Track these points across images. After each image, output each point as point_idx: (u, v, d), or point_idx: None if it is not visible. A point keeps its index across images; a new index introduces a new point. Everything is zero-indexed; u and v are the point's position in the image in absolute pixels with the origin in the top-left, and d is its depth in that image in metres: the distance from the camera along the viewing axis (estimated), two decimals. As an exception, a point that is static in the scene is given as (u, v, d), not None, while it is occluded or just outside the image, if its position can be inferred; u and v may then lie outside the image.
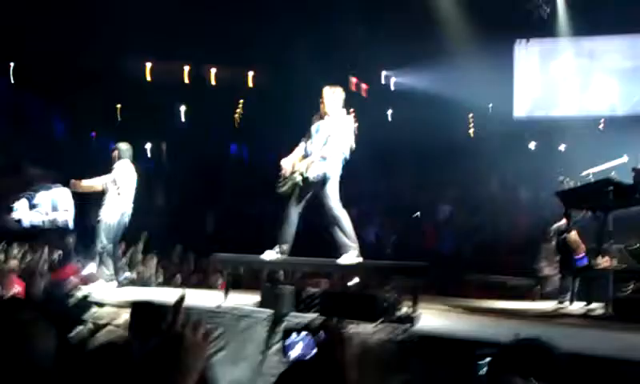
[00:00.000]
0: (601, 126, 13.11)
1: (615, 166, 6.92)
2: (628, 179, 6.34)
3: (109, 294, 6.88)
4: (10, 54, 13.01)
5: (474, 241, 11.04)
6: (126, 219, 7.52)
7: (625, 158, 7.07)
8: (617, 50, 13.40)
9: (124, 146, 7.72)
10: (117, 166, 7.59)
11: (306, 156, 6.02)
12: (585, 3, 11.85)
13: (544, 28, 12.47)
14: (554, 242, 7.65)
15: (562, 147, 13.24)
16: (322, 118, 6.06)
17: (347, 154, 5.91)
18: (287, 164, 6.00)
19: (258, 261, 6.03)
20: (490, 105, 14.09)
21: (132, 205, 7.54)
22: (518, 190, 12.54)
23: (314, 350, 1.68)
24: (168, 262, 9.61)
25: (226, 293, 6.01)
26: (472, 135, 14.51)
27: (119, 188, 7.44)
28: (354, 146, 5.86)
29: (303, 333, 1.71)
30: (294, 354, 1.74)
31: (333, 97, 6.04)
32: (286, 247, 5.97)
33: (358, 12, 12.67)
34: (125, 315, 6.33)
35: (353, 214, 6.11)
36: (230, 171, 14.31)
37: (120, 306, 6.33)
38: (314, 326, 1.71)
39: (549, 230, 7.84)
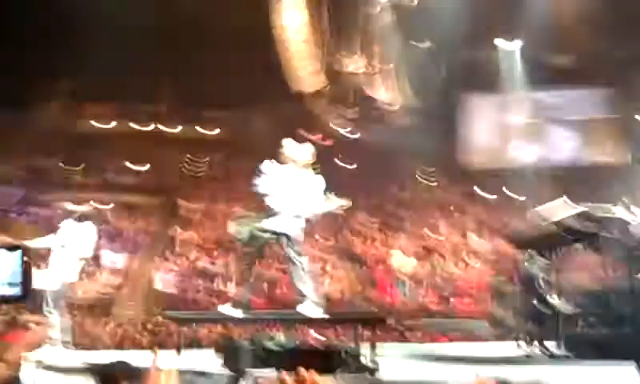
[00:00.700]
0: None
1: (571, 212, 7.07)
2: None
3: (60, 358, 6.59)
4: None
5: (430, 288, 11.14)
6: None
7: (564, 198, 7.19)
8: (566, 104, 13.87)
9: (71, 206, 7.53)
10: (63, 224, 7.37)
11: (266, 209, 5.92)
12: (541, 58, 12.30)
13: (500, 81, 12.92)
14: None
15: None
16: (289, 170, 5.98)
17: (317, 210, 5.87)
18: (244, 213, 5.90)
19: (215, 316, 5.89)
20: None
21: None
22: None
23: None
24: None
25: (179, 351, 5.83)
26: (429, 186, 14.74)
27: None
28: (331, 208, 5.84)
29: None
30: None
31: (296, 148, 6.01)
32: (243, 300, 5.85)
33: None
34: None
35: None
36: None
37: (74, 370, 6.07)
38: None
39: None
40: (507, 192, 13.63)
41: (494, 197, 14.15)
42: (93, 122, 14.69)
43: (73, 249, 7.18)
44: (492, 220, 13.09)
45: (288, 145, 6.00)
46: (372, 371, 4.78)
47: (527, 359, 6.15)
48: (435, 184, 14.60)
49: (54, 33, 12.01)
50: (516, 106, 13.77)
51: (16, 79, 12.38)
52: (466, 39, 12.24)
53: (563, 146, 13.99)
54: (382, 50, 13.23)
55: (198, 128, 15.10)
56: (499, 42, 13.00)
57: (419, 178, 14.67)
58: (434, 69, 13.00)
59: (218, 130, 15.11)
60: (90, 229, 7.41)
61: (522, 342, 6.84)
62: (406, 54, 13.00)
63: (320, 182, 5.90)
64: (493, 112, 14.54)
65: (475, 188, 14.05)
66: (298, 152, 5.97)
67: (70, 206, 7.46)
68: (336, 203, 5.86)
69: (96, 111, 14.68)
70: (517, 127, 14.09)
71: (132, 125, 14.73)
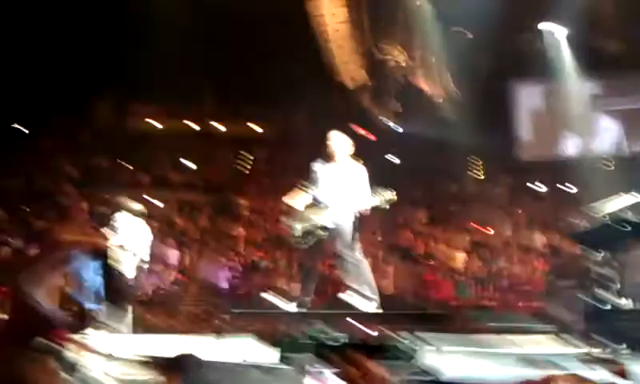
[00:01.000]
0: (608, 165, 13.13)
1: (628, 205, 6.93)
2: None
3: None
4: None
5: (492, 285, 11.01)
6: None
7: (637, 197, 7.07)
8: (621, 92, 13.49)
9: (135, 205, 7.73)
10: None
11: (314, 203, 6.01)
12: (588, 44, 11.99)
13: (547, 69, 12.64)
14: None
15: (570, 188, 13.28)
16: (327, 162, 6.06)
17: (367, 205, 5.91)
18: (298, 206, 5.96)
19: (278, 314, 6.00)
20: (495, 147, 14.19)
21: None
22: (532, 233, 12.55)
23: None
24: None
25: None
26: (478, 179, 14.59)
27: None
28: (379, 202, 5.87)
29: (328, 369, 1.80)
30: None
31: (343, 141, 6.09)
32: (306, 300, 5.95)
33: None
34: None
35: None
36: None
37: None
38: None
39: None
40: (559, 185, 13.40)
41: (546, 189, 13.94)
42: (145, 121, 15.07)
43: (129, 245, 7.41)
44: (544, 214, 12.89)
45: (334, 137, 6.08)
46: (436, 372, 4.78)
47: (584, 356, 6.04)
48: (483, 177, 14.44)
49: (109, 34, 12.30)
50: (564, 94, 13.47)
51: (71, 80, 12.76)
52: (510, 26, 12.03)
53: (614, 136, 13.62)
54: (424, 40, 13.08)
55: (248, 124, 15.30)
56: (545, 27, 12.65)
57: (468, 171, 14.55)
58: (479, 58, 12.80)
59: (264, 127, 15.29)
60: (144, 225, 7.64)
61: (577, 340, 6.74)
62: (448, 44, 12.84)
63: (365, 174, 5.97)
64: (541, 101, 14.27)
65: (527, 182, 13.83)
66: (343, 143, 6.05)
67: (125, 203, 7.66)
68: (384, 197, 5.89)
69: (148, 110, 15.04)
70: (566, 117, 13.78)
71: (183, 122, 15.03)
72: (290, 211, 6.04)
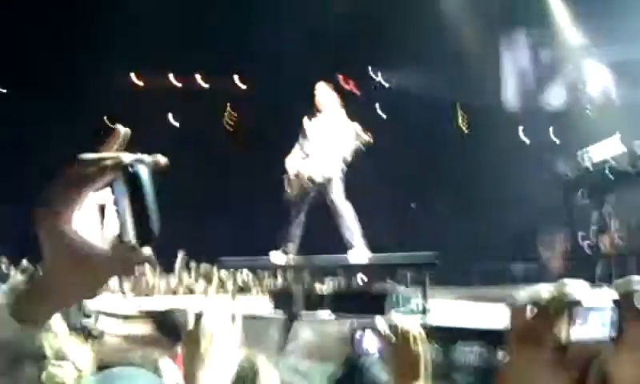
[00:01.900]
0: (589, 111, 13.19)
1: (609, 146, 7.02)
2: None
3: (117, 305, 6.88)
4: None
5: (477, 229, 11.13)
6: None
7: (617, 135, 7.15)
8: (609, 42, 13.44)
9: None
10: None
11: (306, 156, 6.06)
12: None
13: (534, 17, 12.56)
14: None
15: (554, 136, 13.35)
16: (316, 114, 6.10)
17: (350, 154, 5.96)
18: (292, 165, 6.03)
19: (265, 262, 6.08)
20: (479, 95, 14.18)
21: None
22: (515, 180, 12.66)
23: (378, 346, 1.85)
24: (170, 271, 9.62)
25: (234, 296, 6.06)
26: (462, 126, 14.63)
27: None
28: (358, 145, 5.91)
29: (368, 330, 1.87)
30: (362, 346, 1.89)
31: (328, 93, 6.11)
32: (292, 246, 6.02)
33: (344, 8, 12.72)
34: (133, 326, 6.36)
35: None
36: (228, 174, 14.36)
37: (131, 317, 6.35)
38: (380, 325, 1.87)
39: None
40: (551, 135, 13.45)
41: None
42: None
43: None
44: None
45: (319, 88, 6.10)
46: (423, 313, 4.89)
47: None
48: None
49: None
50: (553, 43, 13.41)
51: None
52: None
53: (601, 85, 13.63)
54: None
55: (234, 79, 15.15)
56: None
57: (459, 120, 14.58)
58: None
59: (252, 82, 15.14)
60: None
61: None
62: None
63: (353, 128, 6.00)
64: (528, 50, 14.22)
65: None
66: (328, 95, 6.07)
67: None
68: (361, 138, 5.94)
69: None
70: (554, 66, 13.78)
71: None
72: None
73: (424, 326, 4.62)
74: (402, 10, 12.34)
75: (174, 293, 8.67)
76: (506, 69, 14.14)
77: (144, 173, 0.77)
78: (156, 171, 0.83)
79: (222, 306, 6.01)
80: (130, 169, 0.77)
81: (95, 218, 0.82)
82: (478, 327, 4.81)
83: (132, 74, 14.79)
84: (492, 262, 9.20)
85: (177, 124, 14.86)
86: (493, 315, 5.47)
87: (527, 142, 13.76)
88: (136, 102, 13.84)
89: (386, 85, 15.00)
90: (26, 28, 12.11)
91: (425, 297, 5.13)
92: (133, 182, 0.77)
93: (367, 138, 5.93)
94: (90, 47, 12.43)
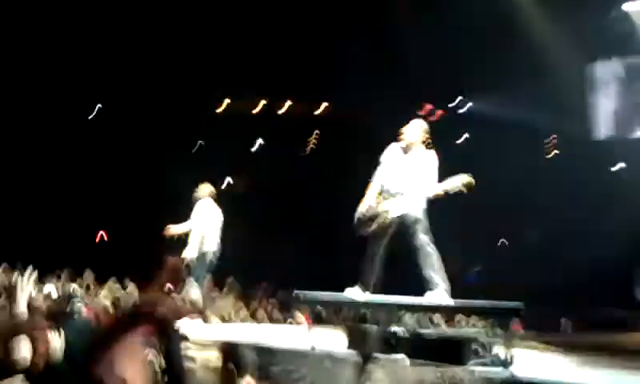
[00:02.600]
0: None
1: None
2: None
3: (197, 330, 6.99)
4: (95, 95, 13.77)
5: (567, 271, 10.55)
6: (212, 258, 7.68)
7: None
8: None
9: (207, 186, 7.96)
10: (199, 205, 7.80)
11: (383, 192, 5.91)
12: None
13: (625, 45, 11.91)
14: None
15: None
16: (404, 151, 5.96)
17: (435, 191, 5.76)
18: (367, 205, 5.89)
19: (344, 300, 5.96)
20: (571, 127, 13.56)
21: (218, 243, 7.69)
22: (608, 217, 11.93)
23: None
24: (250, 297, 9.72)
25: (310, 330, 5.96)
26: (552, 158, 14.02)
27: (203, 227, 7.64)
28: (456, 187, 5.66)
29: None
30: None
31: (417, 129, 5.95)
32: (371, 285, 5.88)
33: (429, 37, 12.57)
34: (209, 353, 6.43)
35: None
36: (309, 203, 14.41)
37: (207, 344, 6.43)
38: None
39: None
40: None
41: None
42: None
43: (209, 225, 7.66)
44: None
45: (409, 126, 5.96)
46: (506, 365, 4.61)
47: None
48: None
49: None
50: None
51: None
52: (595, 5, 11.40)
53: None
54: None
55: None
56: (629, 6, 11.84)
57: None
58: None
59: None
60: (216, 209, 7.86)
61: None
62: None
63: (435, 160, 5.79)
64: (622, 81, 13.48)
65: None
66: (418, 132, 5.91)
67: (206, 188, 7.93)
68: (460, 181, 5.68)
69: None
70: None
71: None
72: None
73: (508, 380, 4.39)
74: (492, 38, 12.07)
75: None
76: (600, 100, 13.43)
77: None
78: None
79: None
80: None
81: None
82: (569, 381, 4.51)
83: (221, 100, 15.23)
84: (587, 307, 8.63)
85: (260, 149, 15.13)
86: (587, 368, 5.12)
87: (625, 177, 12.97)
88: (224, 127, 14.27)
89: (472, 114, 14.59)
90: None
91: (509, 346, 4.85)
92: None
93: (470, 179, 5.66)
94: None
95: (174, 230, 7.97)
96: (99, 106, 14.15)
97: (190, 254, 7.61)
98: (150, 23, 12.32)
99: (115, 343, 2.28)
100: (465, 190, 5.65)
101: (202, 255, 7.61)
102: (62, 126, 13.03)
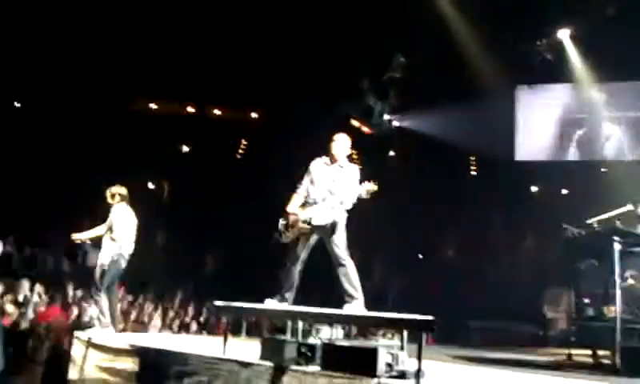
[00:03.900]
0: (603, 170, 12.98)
1: (619, 214, 6.89)
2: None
3: (108, 338, 6.77)
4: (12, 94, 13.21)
5: (477, 286, 10.90)
6: (123, 264, 7.46)
7: (629, 207, 7.04)
8: (626, 97, 13.29)
9: (121, 190, 7.71)
10: (114, 209, 7.57)
11: (307, 202, 5.96)
12: (592, 49, 11.82)
13: (549, 73, 12.50)
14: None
15: (565, 192, 13.18)
16: (328, 163, 6.02)
17: (353, 202, 5.86)
18: (292, 209, 5.94)
19: (260, 310, 5.93)
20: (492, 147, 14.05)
21: (132, 248, 7.49)
22: (521, 235, 12.45)
23: None
24: (167, 306, 9.49)
25: (226, 341, 5.90)
26: (473, 178, 14.48)
27: (115, 232, 7.42)
28: (360, 194, 5.81)
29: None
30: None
31: (344, 144, 6.04)
32: (288, 295, 5.89)
33: (359, 53, 12.77)
34: (123, 362, 6.25)
35: (355, 261, 6.01)
36: (231, 212, 14.28)
37: (121, 351, 6.25)
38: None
39: None
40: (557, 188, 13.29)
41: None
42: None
43: (123, 230, 7.42)
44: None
45: (338, 139, 6.03)
46: (417, 378, 4.69)
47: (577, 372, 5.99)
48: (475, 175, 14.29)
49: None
50: (567, 99, 13.31)
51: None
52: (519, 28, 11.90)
53: (616, 142, 13.45)
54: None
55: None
56: (558, 33, 12.43)
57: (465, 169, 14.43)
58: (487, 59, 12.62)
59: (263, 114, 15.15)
60: (131, 214, 7.64)
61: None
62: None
63: (357, 173, 5.91)
64: (544, 105, 14.13)
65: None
66: (345, 145, 6.01)
67: (120, 191, 7.67)
68: (365, 188, 5.82)
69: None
70: (567, 122, 13.64)
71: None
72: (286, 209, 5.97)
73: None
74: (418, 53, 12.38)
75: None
76: (521, 122, 14.03)
77: None
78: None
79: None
80: None
81: None
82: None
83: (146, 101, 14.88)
84: (493, 321, 8.94)
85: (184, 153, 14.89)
86: (493, 380, 5.30)
87: (539, 197, 13.58)
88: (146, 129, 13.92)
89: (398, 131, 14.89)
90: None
91: (420, 358, 4.94)
92: None
93: (373, 187, 5.81)
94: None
95: (80, 236, 7.71)
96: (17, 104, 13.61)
97: (103, 260, 7.38)
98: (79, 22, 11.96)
99: None
100: (368, 197, 5.83)
101: (114, 261, 7.37)
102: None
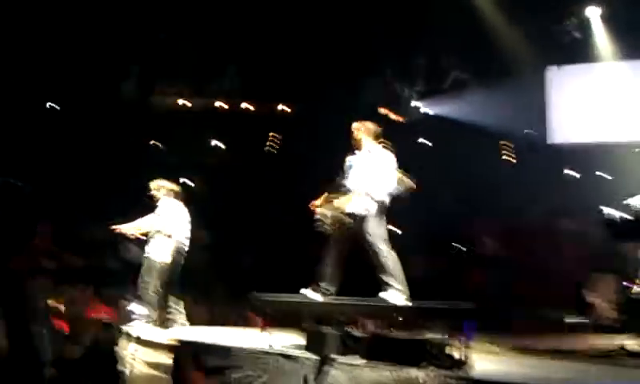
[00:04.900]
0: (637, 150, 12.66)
1: None
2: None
3: (153, 334, 6.88)
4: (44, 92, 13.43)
5: (521, 274, 10.73)
6: (182, 260, 7.43)
7: None
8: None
9: (166, 183, 7.64)
10: (162, 203, 7.50)
11: (344, 191, 5.96)
12: (623, 26, 11.58)
13: (578, 52, 12.26)
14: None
15: (601, 174, 12.88)
16: (362, 152, 6.02)
17: (391, 191, 5.83)
18: (327, 204, 5.94)
19: (300, 302, 5.96)
20: (524, 131, 13.83)
21: (187, 244, 7.45)
22: (559, 220, 12.20)
23: None
24: (206, 300, 9.58)
25: (269, 334, 5.95)
26: (507, 163, 14.26)
27: (168, 227, 7.35)
28: (399, 190, 5.79)
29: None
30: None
31: (363, 131, 6.02)
32: (329, 286, 5.90)
33: (386, 41, 12.66)
34: (168, 357, 6.35)
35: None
36: (269, 205, 14.29)
37: (164, 346, 6.35)
38: None
39: None
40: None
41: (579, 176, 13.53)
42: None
43: (169, 228, 7.40)
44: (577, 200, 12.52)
45: (356, 126, 6.03)
46: (464, 367, 4.68)
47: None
48: (515, 161, 14.06)
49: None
50: (601, 78, 13.01)
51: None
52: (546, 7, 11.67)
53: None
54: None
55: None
56: (588, 11, 12.18)
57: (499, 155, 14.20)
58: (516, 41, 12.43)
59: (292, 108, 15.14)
60: (183, 209, 7.60)
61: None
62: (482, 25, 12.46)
63: (392, 160, 5.89)
64: (577, 85, 13.86)
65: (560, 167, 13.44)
66: (366, 132, 6.00)
67: (167, 185, 7.60)
68: (404, 185, 5.81)
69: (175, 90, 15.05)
70: (603, 101, 13.34)
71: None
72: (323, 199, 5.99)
73: (463, 379, 4.45)
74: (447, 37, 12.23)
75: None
76: (553, 104, 13.76)
77: None
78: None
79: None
80: None
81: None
82: (520, 381, 4.60)
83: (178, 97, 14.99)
84: (534, 309, 8.81)
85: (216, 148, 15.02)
86: (542, 368, 5.23)
87: (575, 181, 13.30)
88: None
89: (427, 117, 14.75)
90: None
91: (465, 347, 4.92)
92: None
93: (411, 184, 5.79)
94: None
95: (123, 228, 7.59)
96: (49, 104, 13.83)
97: (159, 256, 7.31)
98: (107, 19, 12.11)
99: None
100: (406, 193, 5.83)
101: (172, 258, 7.33)
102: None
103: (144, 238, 7.55)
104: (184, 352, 6.12)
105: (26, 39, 11.93)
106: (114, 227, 7.68)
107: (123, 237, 7.82)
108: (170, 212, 7.45)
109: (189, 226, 7.54)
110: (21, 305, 7.49)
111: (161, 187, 7.56)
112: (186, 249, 7.47)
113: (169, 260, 7.30)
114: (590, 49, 12.28)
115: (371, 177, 5.81)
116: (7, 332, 6.91)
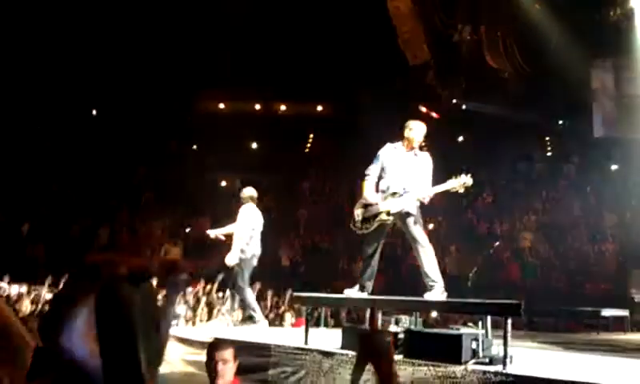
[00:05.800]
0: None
1: None
2: None
3: (192, 332, 6.95)
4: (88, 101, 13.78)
5: (560, 270, 10.53)
6: (254, 262, 7.63)
7: None
8: None
9: (249, 191, 7.87)
10: (241, 210, 7.74)
11: (382, 191, 5.92)
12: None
13: (623, 44, 11.92)
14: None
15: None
16: (401, 150, 5.96)
17: (428, 192, 5.77)
18: (366, 204, 5.91)
19: (339, 299, 5.95)
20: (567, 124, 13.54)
21: (259, 247, 7.66)
22: (602, 215, 11.91)
23: None
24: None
25: (307, 332, 5.95)
26: (548, 159, 14.01)
27: (242, 231, 7.58)
28: (454, 187, 5.72)
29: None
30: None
31: (420, 132, 5.97)
32: (367, 284, 5.87)
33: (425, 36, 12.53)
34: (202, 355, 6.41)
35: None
36: (302, 204, 14.37)
37: (205, 344, 6.40)
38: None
39: None
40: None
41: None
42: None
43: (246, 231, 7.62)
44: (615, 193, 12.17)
45: (414, 126, 5.96)
46: (504, 364, 4.58)
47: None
48: (551, 155, 13.79)
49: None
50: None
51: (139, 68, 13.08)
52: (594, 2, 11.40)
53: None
54: (489, 14, 12.49)
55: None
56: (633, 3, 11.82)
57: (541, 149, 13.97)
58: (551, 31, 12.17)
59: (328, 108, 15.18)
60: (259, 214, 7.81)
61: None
62: (516, 18, 12.24)
63: (430, 161, 5.82)
64: (618, 79, 13.47)
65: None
66: (420, 133, 5.93)
67: (248, 192, 7.82)
68: (461, 181, 5.71)
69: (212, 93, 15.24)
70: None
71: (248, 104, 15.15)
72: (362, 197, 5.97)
73: (505, 376, 4.36)
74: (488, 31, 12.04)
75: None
76: (598, 98, 13.43)
77: None
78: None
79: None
80: None
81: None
82: (565, 379, 4.48)
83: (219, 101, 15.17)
84: (577, 306, 8.60)
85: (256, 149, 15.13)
86: (584, 365, 5.10)
87: (619, 175, 12.95)
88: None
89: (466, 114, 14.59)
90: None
91: (506, 343, 4.82)
92: None
93: (468, 179, 5.70)
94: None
95: (214, 232, 7.89)
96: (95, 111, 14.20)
97: (232, 260, 7.54)
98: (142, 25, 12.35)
99: None
100: (462, 191, 5.73)
101: (243, 261, 7.54)
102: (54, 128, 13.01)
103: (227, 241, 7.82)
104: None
105: (74, 49, 12.25)
106: (208, 232, 8.04)
107: (215, 240, 8.07)
108: (244, 218, 7.71)
109: (259, 230, 7.79)
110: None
111: (244, 195, 7.82)
112: (257, 251, 7.67)
113: (235, 262, 7.53)
114: (635, 40, 11.91)
115: (418, 178, 5.78)
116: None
